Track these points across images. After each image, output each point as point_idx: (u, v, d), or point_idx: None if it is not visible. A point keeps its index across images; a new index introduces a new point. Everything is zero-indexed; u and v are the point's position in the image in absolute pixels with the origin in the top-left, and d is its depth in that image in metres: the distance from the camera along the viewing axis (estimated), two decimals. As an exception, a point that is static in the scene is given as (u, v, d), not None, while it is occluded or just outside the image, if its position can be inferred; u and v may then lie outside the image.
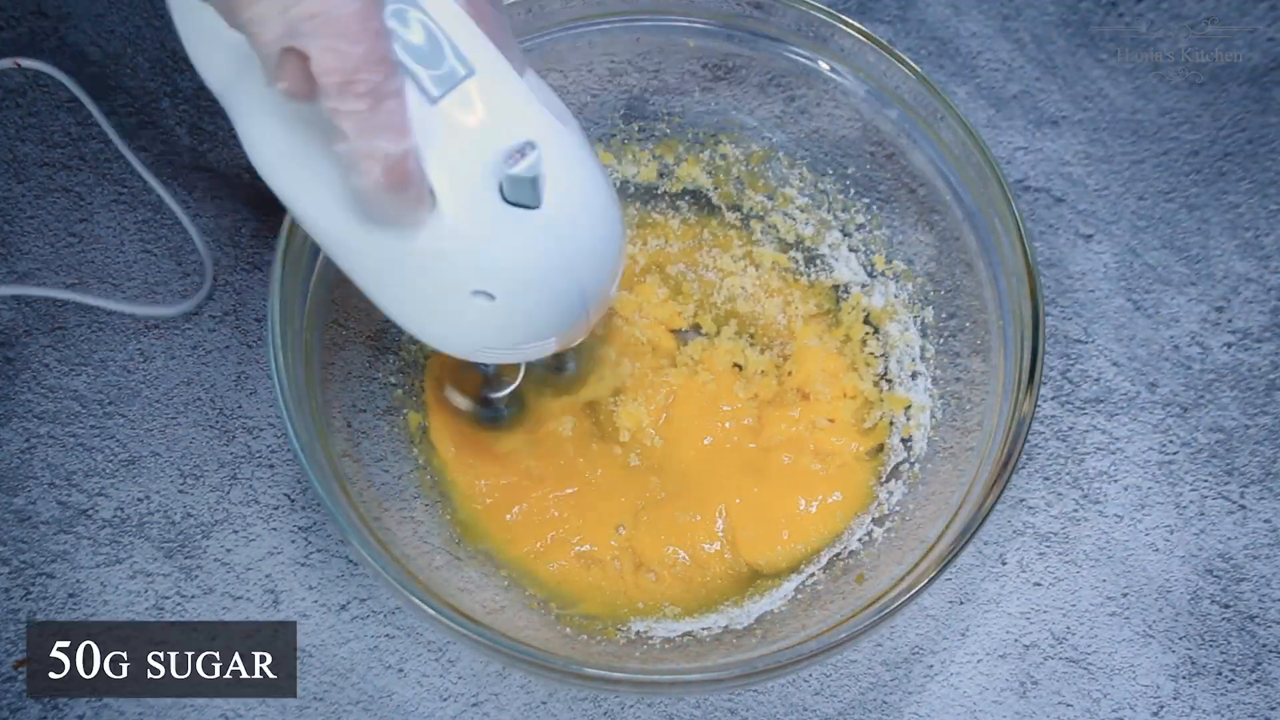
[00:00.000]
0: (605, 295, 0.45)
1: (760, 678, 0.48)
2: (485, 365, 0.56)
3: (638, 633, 0.54)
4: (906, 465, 0.57)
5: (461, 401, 0.58)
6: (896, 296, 0.61)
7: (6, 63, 0.66)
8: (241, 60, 0.41)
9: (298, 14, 0.34)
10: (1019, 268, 0.53)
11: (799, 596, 0.55)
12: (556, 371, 0.59)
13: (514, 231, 0.40)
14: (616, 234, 0.44)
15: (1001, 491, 0.49)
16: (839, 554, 0.56)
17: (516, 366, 0.56)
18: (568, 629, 0.54)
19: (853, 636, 0.47)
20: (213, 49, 0.43)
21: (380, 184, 0.37)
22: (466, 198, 0.39)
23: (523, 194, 0.39)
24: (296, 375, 0.51)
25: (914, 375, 0.60)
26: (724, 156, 0.64)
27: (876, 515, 0.57)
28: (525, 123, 0.40)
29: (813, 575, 0.56)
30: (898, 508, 0.56)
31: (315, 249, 0.53)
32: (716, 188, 0.65)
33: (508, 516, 0.57)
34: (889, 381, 0.61)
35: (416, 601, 0.46)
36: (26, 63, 0.66)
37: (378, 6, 0.36)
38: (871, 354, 0.61)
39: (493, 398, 0.57)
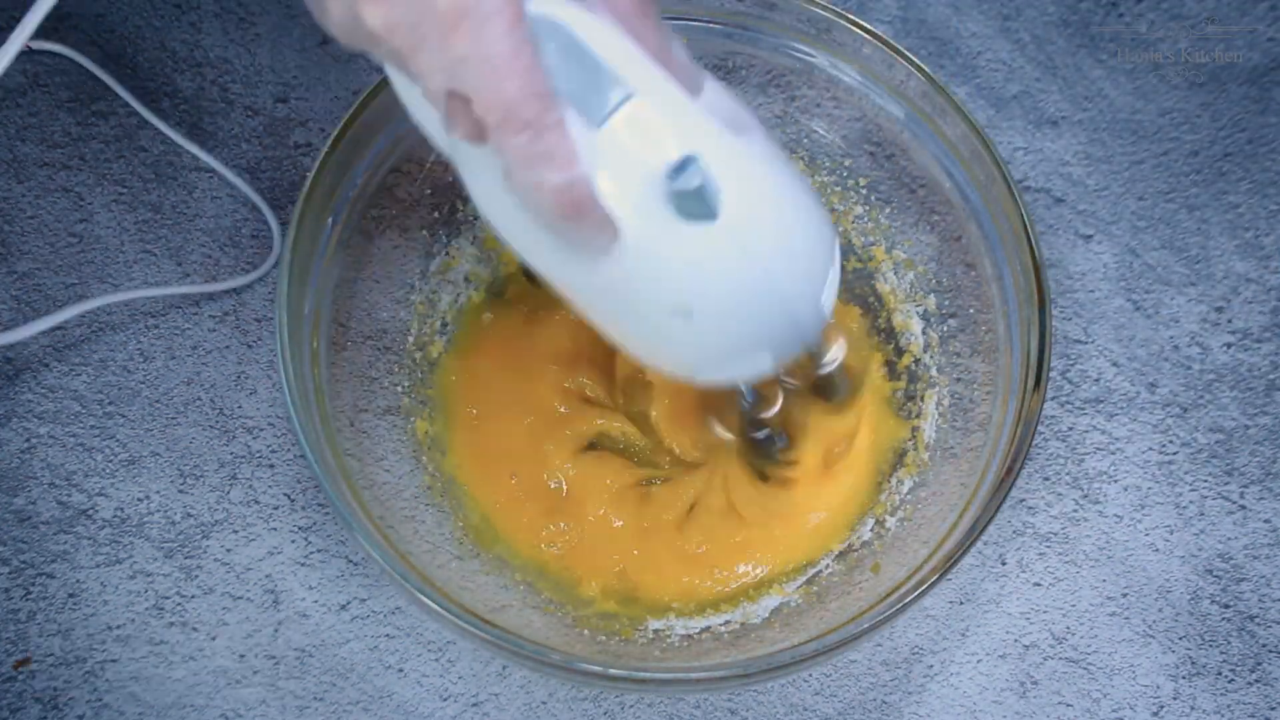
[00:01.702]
0: (816, 304, 0.44)
1: (760, 678, 0.48)
2: (743, 400, 0.56)
3: (656, 631, 0.54)
4: (914, 455, 0.57)
5: (723, 432, 0.58)
6: (895, 293, 0.61)
7: (17, 46, 0.66)
8: None
9: (453, 58, 0.36)
10: (1026, 266, 0.52)
11: (814, 589, 0.55)
12: (826, 398, 0.58)
13: (696, 246, 0.40)
14: (817, 237, 0.43)
15: (1008, 492, 0.49)
16: (851, 546, 0.56)
17: (775, 394, 0.56)
18: (585, 630, 0.54)
19: (862, 633, 0.47)
20: (430, 112, 0.43)
21: (556, 214, 0.38)
22: (643, 218, 0.39)
23: (693, 207, 0.39)
24: (304, 376, 0.51)
25: (917, 361, 0.60)
26: None
27: (888, 506, 0.57)
28: (689, 136, 0.40)
29: (827, 566, 0.56)
30: (908, 497, 0.56)
31: (319, 250, 0.53)
32: None
33: (532, 531, 0.57)
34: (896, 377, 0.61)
35: (418, 595, 0.46)
36: (35, 44, 0.66)
37: (529, 41, 0.36)
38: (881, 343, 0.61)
39: (756, 419, 0.57)
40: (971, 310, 0.57)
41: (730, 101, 0.43)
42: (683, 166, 0.38)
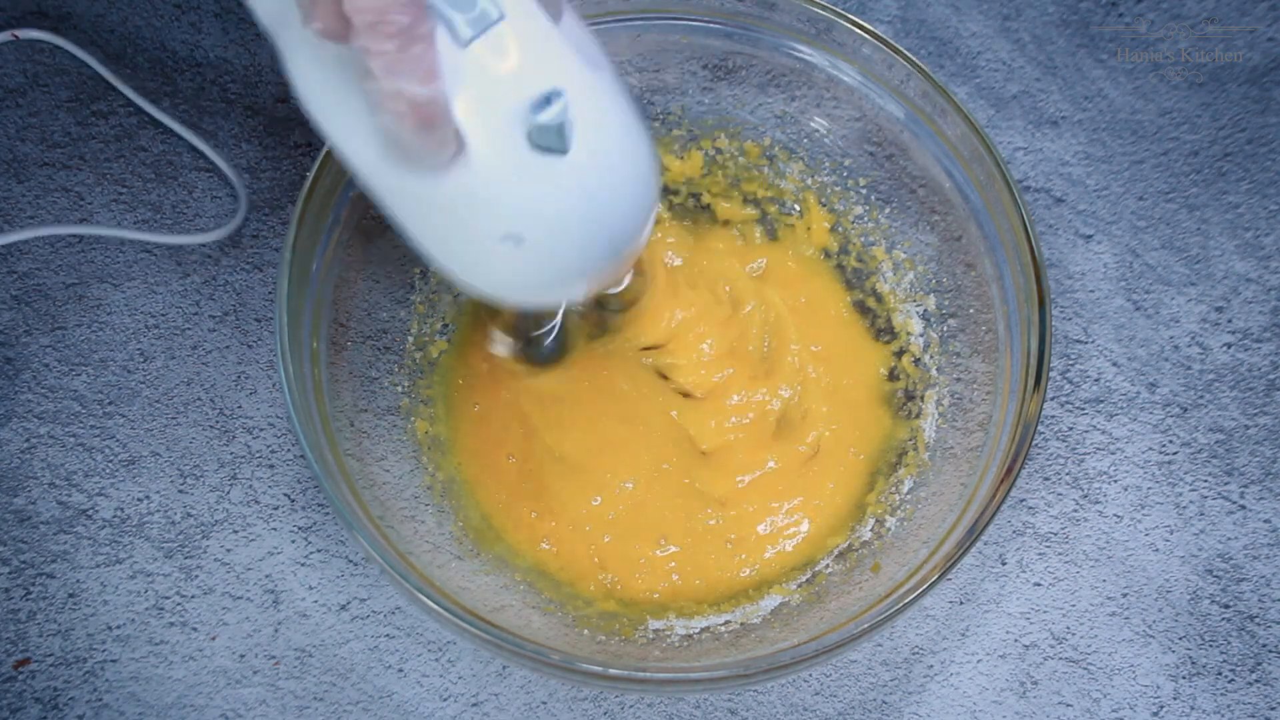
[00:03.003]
0: (636, 241, 0.45)
1: (760, 678, 0.48)
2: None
3: (656, 631, 0.54)
4: (914, 455, 0.58)
5: (503, 341, 0.59)
6: (895, 293, 0.61)
7: (4, 35, 0.66)
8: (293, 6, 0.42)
9: None
10: (1026, 266, 0.52)
11: (814, 589, 0.55)
12: (600, 309, 0.59)
13: (542, 177, 0.40)
14: (648, 180, 0.44)
15: (1008, 492, 0.49)
16: (851, 545, 0.56)
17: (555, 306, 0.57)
18: (585, 630, 0.54)
19: (862, 633, 0.47)
20: None
21: (407, 125, 0.37)
22: (494, 142, 0.39)
23: (549, 141, 0.39)
24: (304, 376, 0.51)
25: (917, 361, 0.60)
26: (720, 150, 0.64)
27: (888, 506, 0.57)
28: (554, 69, 0.40)
29: (826, 566, 0.56)
30: (908, 497, 0.56)
31: (319, 250, 0.53)
32: (713, 190, 0.65)
33: (532, 530, 0.57)
34: (894, 378, 0.61)
35: (418, 595, 0.46)
36: (24, 33, 0.66)
37: None
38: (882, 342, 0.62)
39: (534, 335, 0.58)
40: (971, 310, 0.57)
41: (585, 33, 0.43)
42: (548, 101, 0.38)
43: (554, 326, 0.58)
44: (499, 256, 0.42)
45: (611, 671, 0.46)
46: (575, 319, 0.59)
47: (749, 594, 0.56)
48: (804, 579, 0.56)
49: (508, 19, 0.39)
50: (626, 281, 0.57)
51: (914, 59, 0.56)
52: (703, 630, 0.55)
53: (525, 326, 0.58)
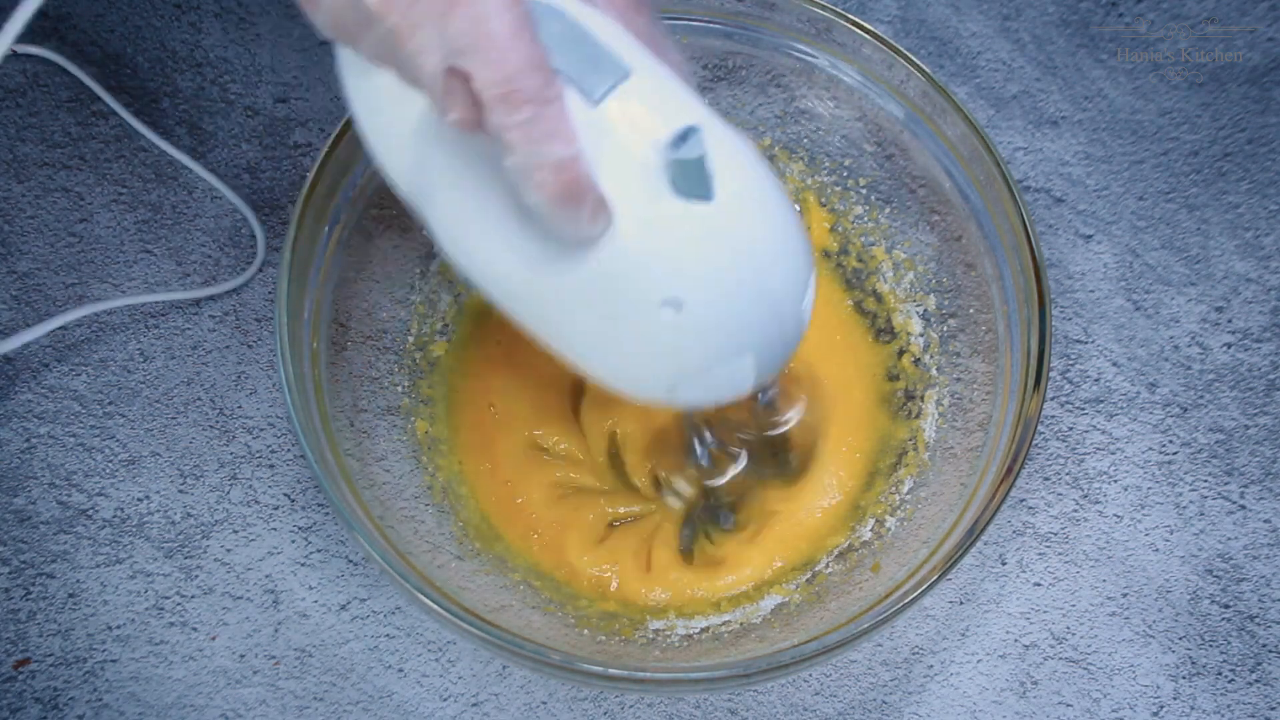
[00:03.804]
0: (798, 308, 0.43)
1: (760, 678, 0.48)
2: (698, 455, 0.55)
3: (656, 631, 0.54)
4: (914, 455, 0.58)
5: (684, 489, 0.57)
6: (895, 293, 0.61)
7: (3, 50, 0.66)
8: (423, 148, 0.42)
9: (453, 33, 0.35)
10: (1026, 266, 0.52)
11: (814, 589, 0.55)
12: (777, 465, 0.58)
13: (691, 229, 0.39)
14: (799, 238, 0.43)
15: (1008, 492, 0.49)
16: (851, 545, 0.56)
17: (734, 457, 0.56)
18: (585, 630, 0.54)
19: (862, 632, 0.47)
20: (397, 142, 0.43)
21: (555, 194, 0.37)
22: (638, 201, 0.38)
23: (692, 182, 0.38)
24: (304, 376, 0.51)
25: (916, 361, 0.60)
26: None
27: (888, 506, 0.57)
28: (687, 114, 0.39)
29: (827, 566, 0.56)
30: (908, 497, 0.56)
31: (319, 250, 0.53)
32: None
33: (532, 530, 0.57)
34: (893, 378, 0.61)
35: (418, 595, 0.46)
36: (22, 48, 0.66)
37: (529, 18, 0.36)
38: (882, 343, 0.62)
39: (712, 486, 0.57)
40: (971, 310, 0.57)
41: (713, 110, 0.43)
42: (685, 136, 0.37)
43: (733, 472, 0.56)
44: (659, 330, 0.40)
45: (611, 671, 0.46)
46: (755, 471, 0.58)
47: (749, 594, 0.56)
48: (804, 579, 0.56)
49: (633, 76, 0.38)
50: (793, 418, 0.56)
51: (914, 59, 0.56)
52: (702, 630, 0.55)
53: (703, 475, 0.57)
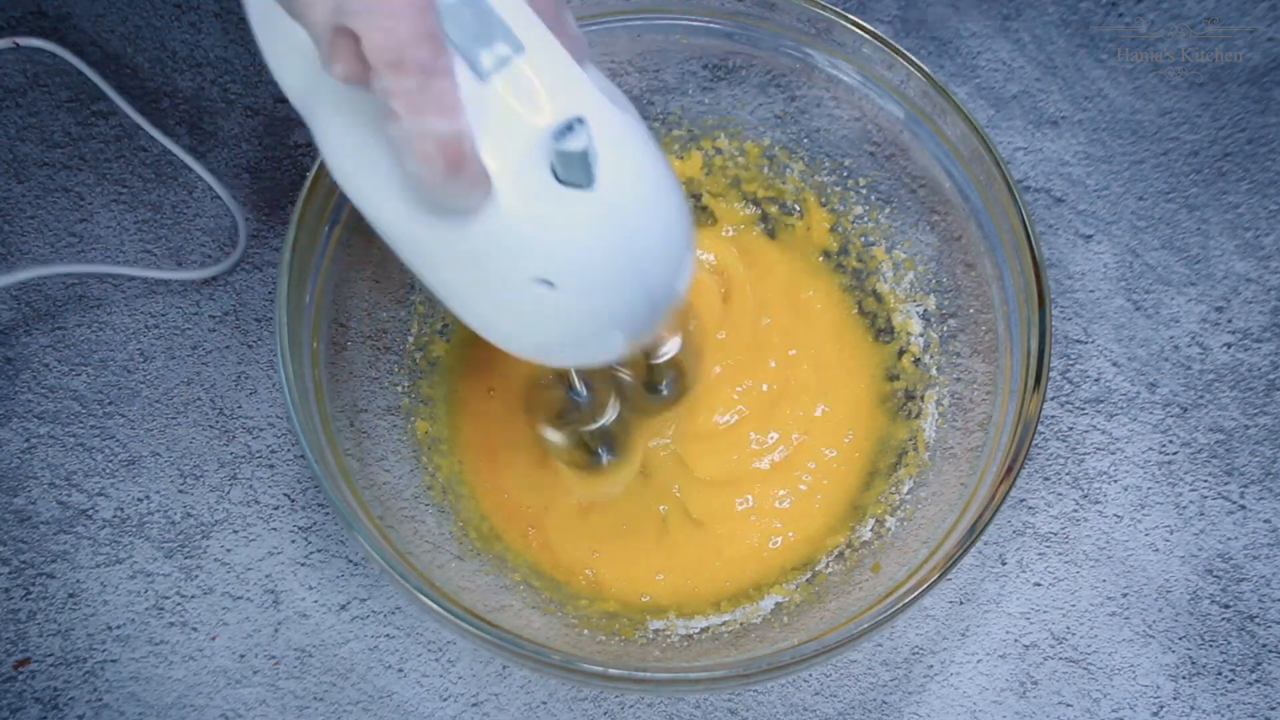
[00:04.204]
0: (672, 287, 0.44)
1: (760, 678, 0.48)
2: (576, 393, 0.55)
3: (656, 631, 0.54)
4: (914, 455, 0.58)
5: (557, 438, 0.57)
6: (894, 293, 0.61)
7: (5, 42, 0.66)
8: (316, 67, 0.41)
9: None
10: (1026, 266, 0.52)
11: (814, 588, 0.55)
12: (651, 393, 0.58)
13: (570, 213, 0.39)
14: (680, 221, 0.43)
15: (1008, 492, 0.49)
16: (851, 545, 0.56)
17: (608, 397, 0.55)
18: (585, 630, 0.54)
19: (862, 632, 0.47)
20: (289, 58, 0.43)
21: (435, 164, 0.36)
22: (520, 180, 0.38)
23: (574, 172, 0.38)
24: (304, 376, 0.51)
25: (916, 362, 0.60)
26: (719, 151, 0.64)
27: (888, 506, 0.57)
28: (576, 101, 0.39)
29: (826, 566, 0.56)
30: (908, 497, 0.56)
31: (319, 250, 0.53)
32: (713, 191, 0.65)
33: (531, 530, 0.57)
34: (893, 378, 0.61)
35: (418, 595, 0.46)
36: (25, 41, 0.66)
37: None
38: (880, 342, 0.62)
39: (587, 431, 0.56)
40: (971, 310, 0.57)
41: (606, 81, 0.43)
42: (569, 128, 0.37)
43: (607, 420, 0.56)
44: (531, 304, 0.41)
45: (611, 671, 0.46)
46: (631, 415, 0.57)
47: (749, 594, 0.56)
48: (804, 579, 0.56)
49: (527, 54, 0.38)
50: (671, 349, 0.56)
51: (914, 59, 0.56)
52: (702, 630, 0.55)
53: (579, 420, 0.56)
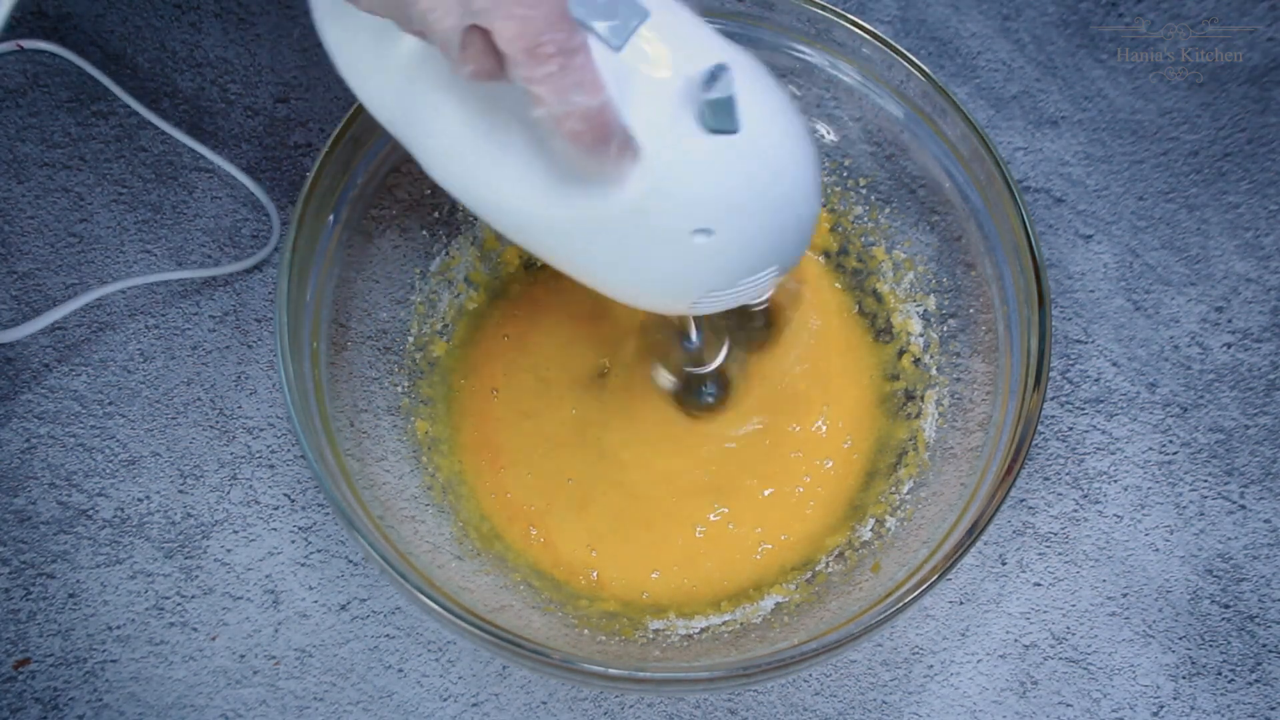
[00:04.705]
0: (815, 213, 0.45)
1: (760, 677, 0.48)
2: (689, 342, 0.56)
3: (656, 631, 0.54)
4: (914, 455, 0.58)
5: (668, 380, 0.59)
6: (895, 293, 0.61)
7: (8, 45, 0.66)
8: (409, 79, 0.42)
9: None
10: (1026, 266, 0.52)
11: (814, 588, 0.55)
12: (746, 328, 0.59)
13: (721, 160, 0.40)
14: (812, 153, 0.44)
15: (1008, 491, 0.49)
16: (851, 544, 0.56)
17: (720, 343, 0.57)
18: (585, 630, 0.54)
19: (862, 632, 0.47)
20: (380, 76, 0.43)
21: (585, 140, 0.37)
22: (668, 136, 0.39)
23: (722, 118, 0.39)
24: (304, 376, 0.51)
25: (916, 362, 0.60)
26: None
27: (888, 506, 0.57)
28: (709, 51, 0.40)
29: (827, 566, 0.56)
30: (908, 497, 0.56)
31: (319, 250, 0.53)
32: None
33: (531, 530, 0.57)
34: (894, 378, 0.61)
35: (418, 595, 0.46)
36: (29, 44, 0.66)
37: None
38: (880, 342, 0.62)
39: (699, 373, 0.58)
40: (971, 310, 0.57)
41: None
42: (714, 76, 0.38)
43: (717, 361, 0.58)
44: (691, 257, 0.42)
45: (612, 671, 0.46)
46: (733, 363, 0.59)
47: (749, 594, 0.56)
48: (804, 579, 0.56)
49: (652, 17, 0.39)
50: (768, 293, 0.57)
51: (914, 59, 0.56)
52: (703, 630, 0.55)
53: (690, 364, 0.58)
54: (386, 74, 0.43)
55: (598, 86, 0.37)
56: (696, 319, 0.56)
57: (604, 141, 0.38)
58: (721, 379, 0.59)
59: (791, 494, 0.59)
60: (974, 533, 0.48)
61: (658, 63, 0.39)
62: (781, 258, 0.45)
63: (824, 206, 0.63)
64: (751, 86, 0.41)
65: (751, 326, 0.60)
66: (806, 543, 0.58)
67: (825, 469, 0.59)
